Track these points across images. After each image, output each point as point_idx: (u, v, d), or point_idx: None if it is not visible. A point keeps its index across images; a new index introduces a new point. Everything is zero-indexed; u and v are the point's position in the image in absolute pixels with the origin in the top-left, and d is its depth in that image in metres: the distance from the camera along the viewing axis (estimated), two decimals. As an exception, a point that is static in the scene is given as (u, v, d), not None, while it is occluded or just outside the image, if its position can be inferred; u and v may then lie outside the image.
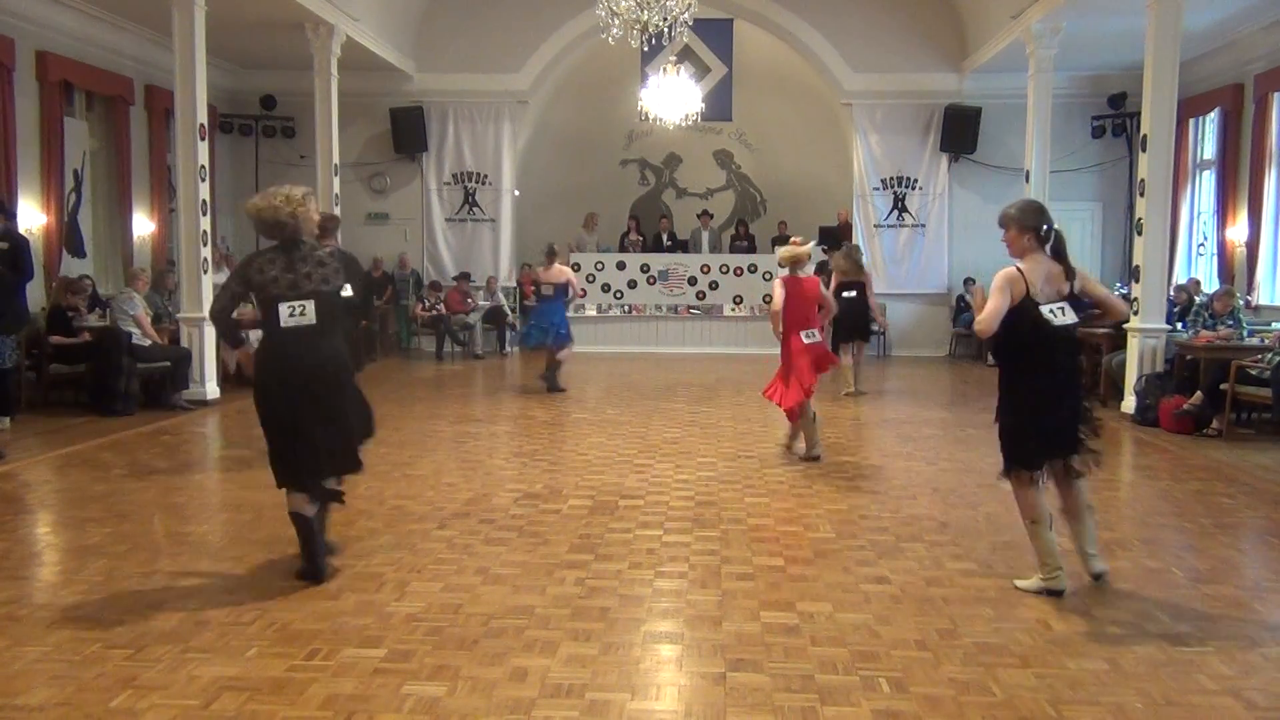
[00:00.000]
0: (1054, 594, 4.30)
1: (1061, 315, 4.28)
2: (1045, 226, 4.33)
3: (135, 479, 6.61)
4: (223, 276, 12.56)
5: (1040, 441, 4.32)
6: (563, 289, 11.11)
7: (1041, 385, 4.32)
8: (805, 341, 7.18)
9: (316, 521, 4.54)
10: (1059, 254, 4.35)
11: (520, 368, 13.90)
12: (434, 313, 14.76)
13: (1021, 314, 4.26)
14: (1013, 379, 4.42)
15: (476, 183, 15.75)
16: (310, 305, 4.40)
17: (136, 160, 12.47)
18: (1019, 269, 4.32)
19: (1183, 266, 13.75)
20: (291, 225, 4.44)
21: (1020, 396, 4.37)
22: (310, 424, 4.37)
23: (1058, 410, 4.32)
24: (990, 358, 4.72)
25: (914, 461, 7.35)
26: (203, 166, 9.82)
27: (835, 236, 15.66)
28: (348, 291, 4.69)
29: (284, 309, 4.37)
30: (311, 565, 4.47)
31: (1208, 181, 13.57)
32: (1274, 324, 10.01)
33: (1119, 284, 12.75)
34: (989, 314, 4.24)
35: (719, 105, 15.45)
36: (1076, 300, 4.35)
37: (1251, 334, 9.32)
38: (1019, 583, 4.46)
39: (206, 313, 9.83)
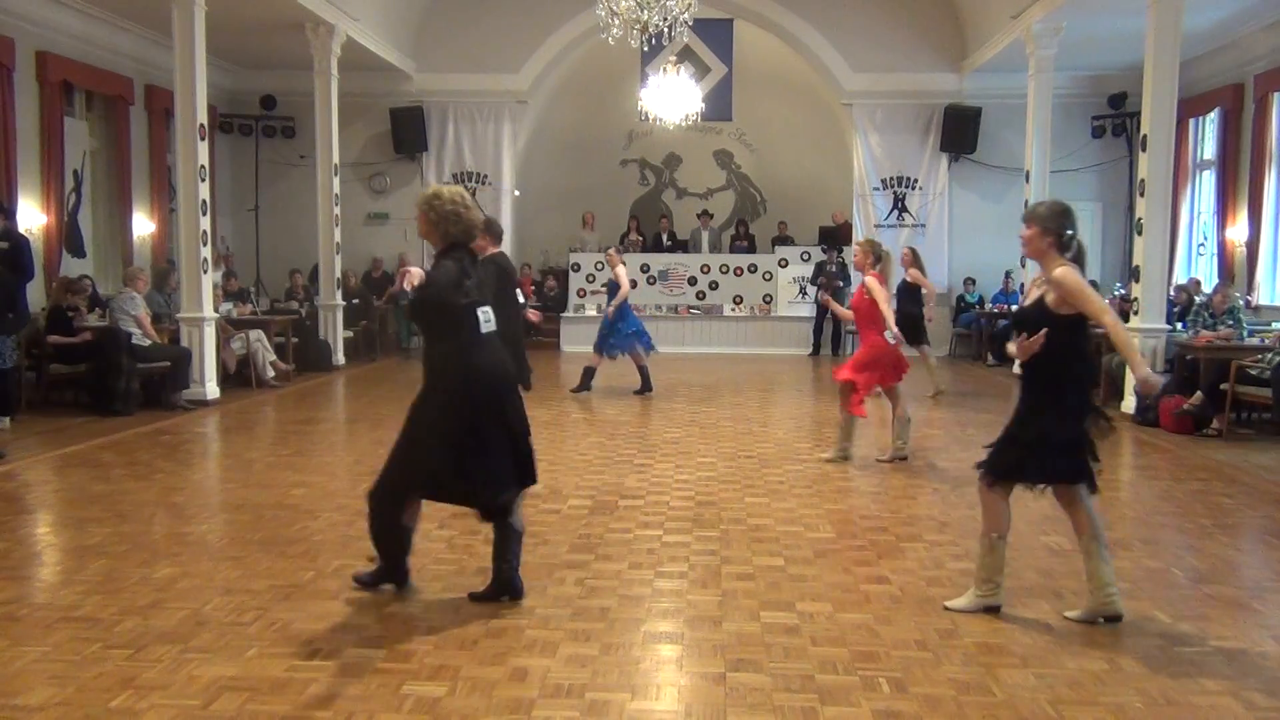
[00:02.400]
0: (994, 610, 4.15)
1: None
2: (1069, 232, 4.09)
3: (135, 479, 6.61)
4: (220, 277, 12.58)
5: (1080, 453, 4.06)
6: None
7: (1088, 395, 4.16)
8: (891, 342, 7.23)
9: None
10: (1079, 264, 4.09)
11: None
12: (434, 313, 14.72)
13: (1075, 318, 4.02)
14: (1067, 387, 4.07)
15: (476, 183, 15.74)
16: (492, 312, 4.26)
17: (136, 160, 12.47)
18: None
19: (1183, 266, 13.76)
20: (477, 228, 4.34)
21: (1072, 405, 4.06)
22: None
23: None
24: (1012, 361, 4.24)
25: (914, 461, 7.35)
26: (203, 166, 9.82)
27: (835, 237, 15.69)
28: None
29: (483, 314, 4.21)
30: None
31: (1208, 181, 13.58)
32: (1274, 324, 10.01)
33: (1119, 284, 12.76)
34: (1111, 311, 3.98)
35: (719, 105, 15.46)
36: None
37: (1251, 334, 9.32)
38: (953, 603, 4.20)
39: (206, 312, 9.86)
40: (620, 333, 10.51)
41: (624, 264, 10.93)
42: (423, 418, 4.16)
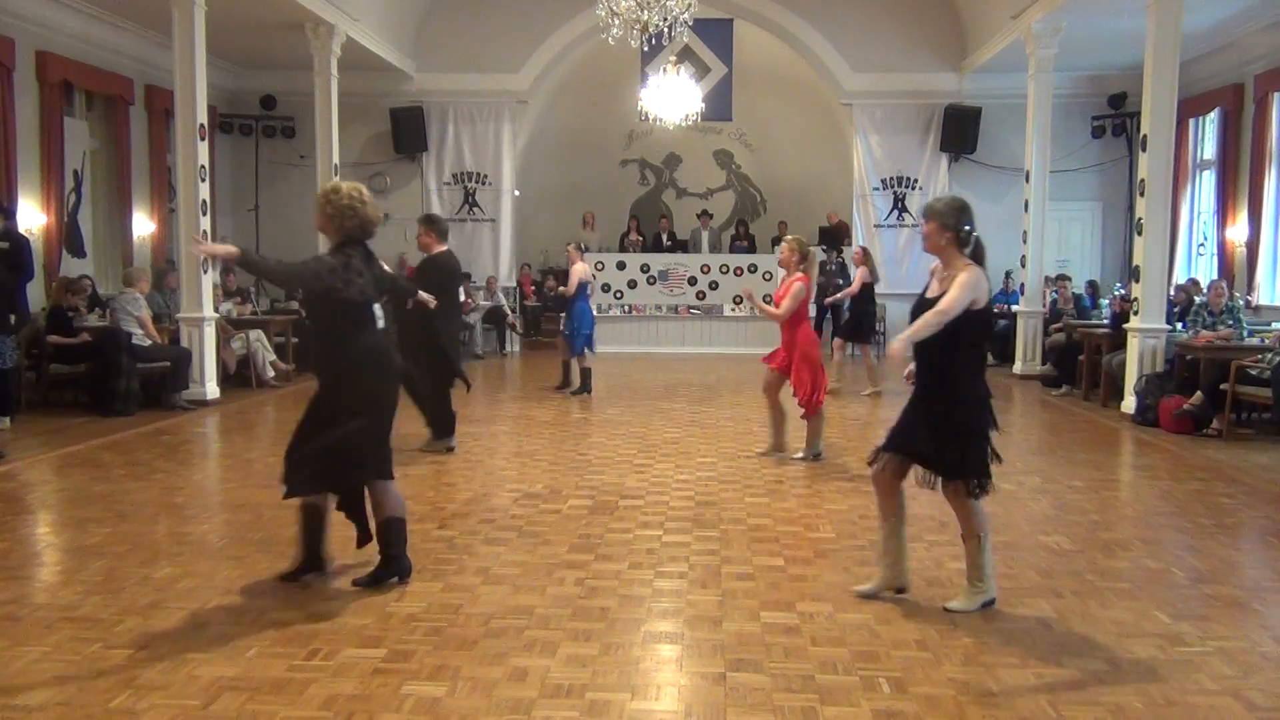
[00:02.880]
0: (991, 603, 4.18)
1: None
2: (967, 227, 4.16)
3: (135, 479, 6.62)
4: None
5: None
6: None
7: (985, 389, 4.20)
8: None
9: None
10: (978, 261, 4.17)
11: (520, 368, 13.92)
12: (434, 313, 14.73)
13: (984, 314, 4.12)
14: (971, 379, 4.16)
15: (476, 183, 15.75)
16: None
17: (136, 160, 12.47)
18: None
19: (1183, 266, 13.75)
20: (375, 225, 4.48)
21: (980, 398, 4.16)
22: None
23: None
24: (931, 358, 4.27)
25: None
26: (203, 166, 9.82)
27: (834, 237, 15.68)
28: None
29: (377, 309, 4.46)
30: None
31: (1208, 181, 13.58)
32: (1274, 324, 10.01)
33: (1118, 284, 12.76)
34: (946, 316, 3.99)
35: (719, 105, 15.45)
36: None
37: (1251, 334, 9.32)
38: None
39: (206, 312, 9.87)
40: (578, 331, 10.64)
41: (584, 262, 10.89)
42: (342, 413, 4.30)
